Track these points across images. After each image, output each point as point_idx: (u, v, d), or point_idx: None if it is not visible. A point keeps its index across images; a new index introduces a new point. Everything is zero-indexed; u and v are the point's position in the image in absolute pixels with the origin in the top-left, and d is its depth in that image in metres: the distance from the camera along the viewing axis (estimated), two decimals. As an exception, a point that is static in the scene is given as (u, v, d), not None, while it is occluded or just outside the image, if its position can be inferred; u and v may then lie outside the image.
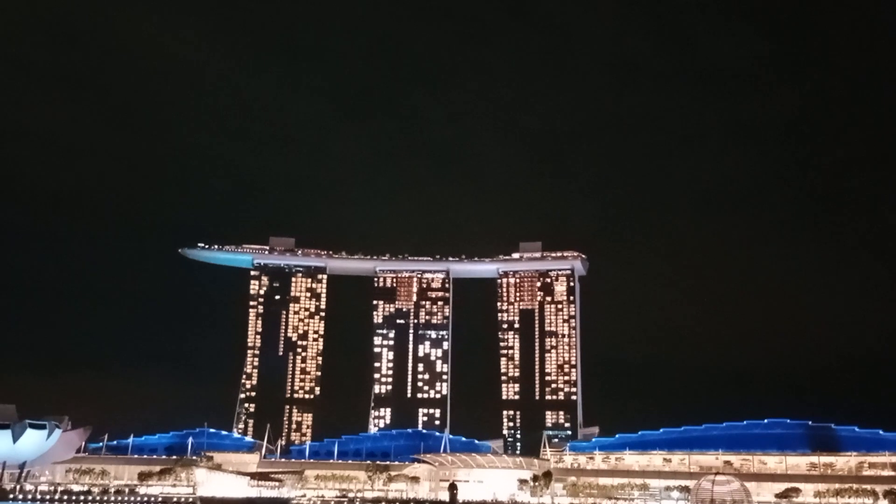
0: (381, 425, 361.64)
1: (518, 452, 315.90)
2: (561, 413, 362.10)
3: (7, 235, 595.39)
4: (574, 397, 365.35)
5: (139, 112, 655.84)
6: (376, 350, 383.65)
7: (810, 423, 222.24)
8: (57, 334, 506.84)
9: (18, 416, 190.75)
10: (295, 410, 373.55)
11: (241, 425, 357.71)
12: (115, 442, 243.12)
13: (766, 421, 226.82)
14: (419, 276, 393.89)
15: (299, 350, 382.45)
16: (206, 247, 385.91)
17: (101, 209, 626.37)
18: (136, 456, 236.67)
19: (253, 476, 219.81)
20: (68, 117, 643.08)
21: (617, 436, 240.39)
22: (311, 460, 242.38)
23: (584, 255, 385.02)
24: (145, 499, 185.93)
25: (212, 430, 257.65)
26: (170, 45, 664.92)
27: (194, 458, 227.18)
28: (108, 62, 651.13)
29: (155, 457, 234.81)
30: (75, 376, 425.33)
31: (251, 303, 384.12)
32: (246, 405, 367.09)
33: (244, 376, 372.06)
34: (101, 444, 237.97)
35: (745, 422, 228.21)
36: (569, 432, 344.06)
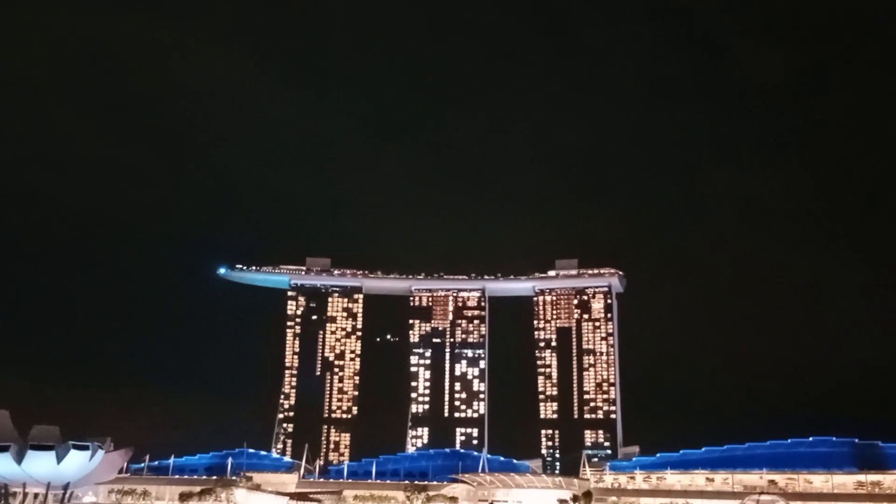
0: (419, 445, 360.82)
1: (557, 472, 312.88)
2: (600, 432, 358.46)
3: (52, 257, 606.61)
4: (613, 416, 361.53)
5: (178, 137, 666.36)
6: (413, 369, 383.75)
7: (856, 440, 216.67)
8: (98, 355, 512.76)
9: (62, 437, 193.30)
10: (332, 430, 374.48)
11: (280, 445, 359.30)
12: (156, 462, 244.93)
13: (811, 439, 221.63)
14: (455, 294, 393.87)
15: (336, 370, 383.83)
16: (245, 268, 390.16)
17: (142, 232, 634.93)
18: (177, 476, 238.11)
19: (292, 496, 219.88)
20: (109, 143, 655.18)
21: (658, 455, 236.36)
22: (350, 480, 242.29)
23: (621, 272, 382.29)
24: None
25: (251, 451, 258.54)
26: (208, 72, 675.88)
27: (234, 478, 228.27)
28: (149, 89, 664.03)
29: (195, 477, 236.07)
30: (116, 397, 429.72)
31: (288, 323, 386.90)
32: (284, 425, 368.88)
33: (282, 396, 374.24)
34: (142, 464, 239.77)
35: (789, 440, 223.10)
36: (608, 452, 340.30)
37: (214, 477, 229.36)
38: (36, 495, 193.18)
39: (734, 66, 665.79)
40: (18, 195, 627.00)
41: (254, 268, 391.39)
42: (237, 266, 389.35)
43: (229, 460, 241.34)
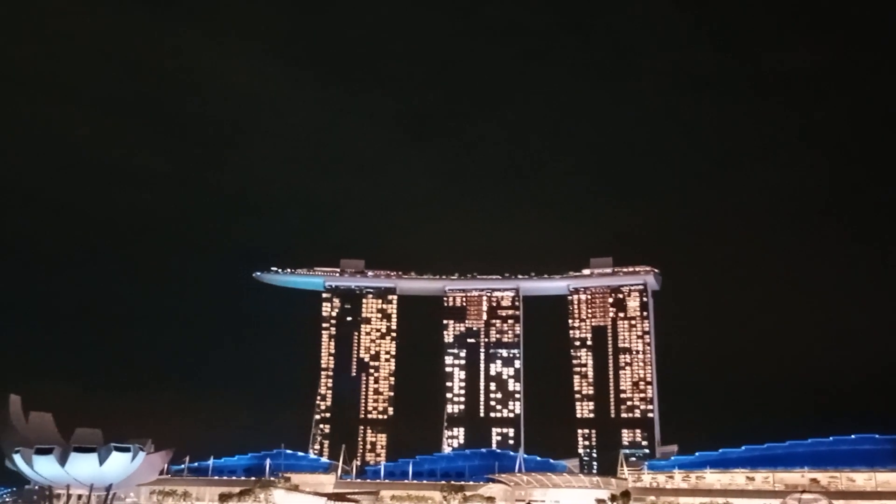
0: (455, 445, 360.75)
1: (594, 472, 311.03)
2: (637, 431, 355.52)
3: (89, 266, 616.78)
4: (651, 415, 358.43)
5: (212, 142, 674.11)
6: (448, 370, 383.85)
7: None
8: (137, 359, 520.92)
9: (104, 439, 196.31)
10: (369, 431, 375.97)
11: (317, 446, 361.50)
12: (195, 464, 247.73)
13: (853, 436, 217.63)
14: (489, 294, 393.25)
15: (372, 371, 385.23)
16: (279, 271, 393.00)
17: (179, 237, 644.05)
18: (216, 477, 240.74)
19: (330, 497, 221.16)
20: (144, 149, 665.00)
21: (696, 454, 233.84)
22: (387, 481, 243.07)
23: (656, 270, 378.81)
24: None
25: (288, 452, 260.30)
26: (238, 76, 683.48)
27: (272, 479, 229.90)
28: (182, 95, 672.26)
29: (234, 478, 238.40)
30: (156, 399, 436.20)
31: (324, 324, 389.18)
32: (321, 426, 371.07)
33: (318, 397, 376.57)
34: (182, 465, 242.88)
35: (831, 438, 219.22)
36: (646, 451, 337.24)
37: (253, 478, 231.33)
38: (79, 497, 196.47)
39: (764, 60, 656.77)
40: (56, 204, 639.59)
41: (288, 270, 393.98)
42: (272, 269, 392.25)
43: (267, 461, 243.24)
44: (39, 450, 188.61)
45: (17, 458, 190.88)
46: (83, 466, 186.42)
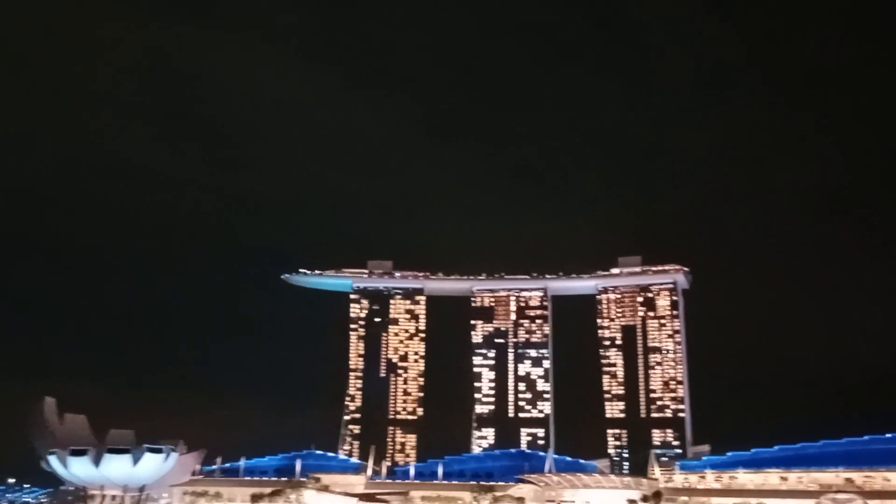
0: (484, 445, 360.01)
1: (625, 472, 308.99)
2: (668, 431, 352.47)
3: (118, 266, 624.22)
4: (682, 415, 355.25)
5: (238, 144, 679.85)
6: (476, 370, 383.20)
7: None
8: (168, 361, 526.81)
9: (136, 441, 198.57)
10: (398, 431, 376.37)
11: (346, 447, 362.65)
12: (227, 465, 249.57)
13: (888, 435, 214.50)
14: (517, 294, 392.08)
15: (400, 371, 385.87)
16: (308, 272, 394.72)
17: (207, 240, 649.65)
18: (247, 478, 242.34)
19: (360, 497, 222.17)
20: (172, 152, 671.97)
21: (729, 454, 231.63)
22: (417, 481, 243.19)
23: (686, 268, 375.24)
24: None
25: (318, 452, 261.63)
26: (264, 78, 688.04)
27: (303, 479, 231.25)
28: (207, 97, 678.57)
29: (265, 479, 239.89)
30: (186, 400, 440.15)
31: (352, 326, 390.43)
32: (350, 427, 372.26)
33: (347, 398, 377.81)
34: (214, 466, 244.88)
35: (865, 437, 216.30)
36: (678, 451, 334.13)
37: (284, 478, 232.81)
38: (113, 498, 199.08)
39: (794, 54, 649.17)
40: (85, 208, 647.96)
41: (316, 272, 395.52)
42: (300, 271, 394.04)
43: (298, 462, 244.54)
44: (74, 451, 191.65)
45: (53, 459, 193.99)
46: (117, 467, 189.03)
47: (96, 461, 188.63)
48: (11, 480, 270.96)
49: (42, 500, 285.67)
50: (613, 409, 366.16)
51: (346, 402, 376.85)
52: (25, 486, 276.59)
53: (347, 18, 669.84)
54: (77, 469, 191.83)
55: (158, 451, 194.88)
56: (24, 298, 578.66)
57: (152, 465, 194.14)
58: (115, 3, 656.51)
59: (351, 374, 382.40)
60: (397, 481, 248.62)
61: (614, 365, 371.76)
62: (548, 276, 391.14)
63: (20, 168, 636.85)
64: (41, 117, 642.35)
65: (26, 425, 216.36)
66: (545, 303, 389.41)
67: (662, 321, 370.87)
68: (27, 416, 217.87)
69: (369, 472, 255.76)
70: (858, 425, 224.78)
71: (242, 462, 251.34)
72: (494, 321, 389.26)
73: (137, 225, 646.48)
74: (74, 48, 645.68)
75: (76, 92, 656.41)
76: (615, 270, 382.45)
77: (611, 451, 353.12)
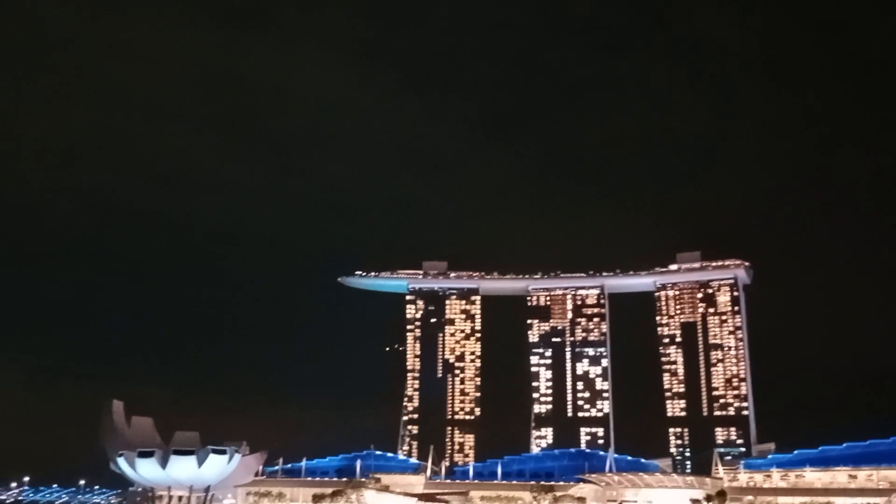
0: (543, 445, 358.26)
1: (688, 471, 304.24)
2: (732, 429, 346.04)
3: (182, 273, 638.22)
4: (745, 412, 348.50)
5: (294, 150, 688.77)
6: (533, 369, 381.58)
7: None
8: (228, 363, 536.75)
9: (201, 442, 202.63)
10: (456, 431, 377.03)
11: (405, 447, 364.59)
12: (289, 465, 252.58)
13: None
14: (573, 293, 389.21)
15: (457, 371, 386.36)
16: (364, 274, 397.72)
17: (263, 246, 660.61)
18: (309, 479, 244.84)
19: (420, 497, 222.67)
20: (227, 159, 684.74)
21: (795, 452, 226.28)
22: (476, 481, 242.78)
23: (747, 263, 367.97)
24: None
25: (378, 453, 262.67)
26: (320, 83, 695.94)
27: (363, 479, 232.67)
28: (263, 105, 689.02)
29: (327, 479, 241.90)
30: (248, 402, 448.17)
31: (408, 326, 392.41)
32: (409, 427, 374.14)
33: (405, 399, 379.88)
34: (276, 467, 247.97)
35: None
36: (741, 449, 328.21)
37: (344, 479, 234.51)
38: (180, 498, 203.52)
39: (852, 44, 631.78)
40: (150, 217, 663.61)
41: (372, 274, 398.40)
42: (356, 273, 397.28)
43: (358, 462, 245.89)
44: (141, 453, 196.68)
45: (121, 461, 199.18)
46: (183, 468, 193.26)
47: (163, 462, 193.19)
48: (82, 482, 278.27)
49: (112, 502, 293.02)
50: (674, 408, 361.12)
51: (404, 403, 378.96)
52: (96, 487, 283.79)
53: (400, 21, 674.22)
54: (144, 470, 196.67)
55: (222, 452, 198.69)
56: (98, 308, 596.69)
57: (216, 466, 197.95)
58: (177, 15, 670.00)
59: (408, 374, 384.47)
60: (457, 481, 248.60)
61: (674, 362, 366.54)
62: (604, 273, 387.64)
63: (106, 180, 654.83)
64: (106, 131, 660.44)
65: (96, 428, 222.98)
66: (602, 301, 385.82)
67: (723, 317, 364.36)
68: (97, 419, 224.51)
69: (428, 472, 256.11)
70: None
71: (304, 463, 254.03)
72: (551, 320, 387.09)
73: (201, 234, 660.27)
74: (141, 58, 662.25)
75: (141, 105, 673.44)
76: (673, 267, 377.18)
77: (672, 450, 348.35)
